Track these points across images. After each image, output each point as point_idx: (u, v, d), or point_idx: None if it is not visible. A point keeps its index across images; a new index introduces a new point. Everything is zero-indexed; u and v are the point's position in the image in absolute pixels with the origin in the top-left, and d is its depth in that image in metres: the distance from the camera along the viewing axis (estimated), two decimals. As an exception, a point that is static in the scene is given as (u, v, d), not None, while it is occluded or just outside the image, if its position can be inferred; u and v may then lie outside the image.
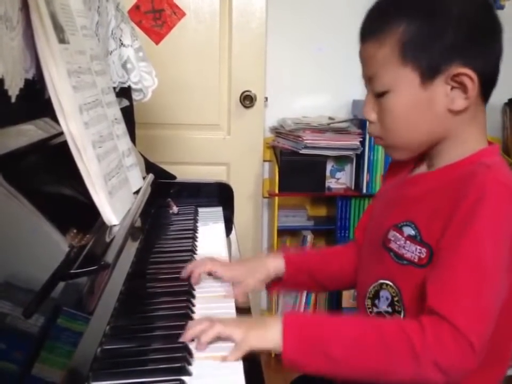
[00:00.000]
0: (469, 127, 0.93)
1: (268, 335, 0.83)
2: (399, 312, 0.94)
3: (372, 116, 0.96)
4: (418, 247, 0.91)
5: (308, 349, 0.83)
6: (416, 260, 0.91)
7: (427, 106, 0.91)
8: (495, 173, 0.87)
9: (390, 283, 0.95)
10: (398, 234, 0.96)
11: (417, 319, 0.83)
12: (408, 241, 0.93)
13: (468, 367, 0.81)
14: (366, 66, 0.95)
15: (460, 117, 0.91)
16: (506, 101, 2.71)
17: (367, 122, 0.99)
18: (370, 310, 0.99)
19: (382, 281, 0.97)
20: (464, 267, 0.83)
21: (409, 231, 0.94)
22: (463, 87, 0.89)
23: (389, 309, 0.95)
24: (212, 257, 1.11)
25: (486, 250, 0.83)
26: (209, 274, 1.08)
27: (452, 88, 0.89)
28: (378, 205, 1.10)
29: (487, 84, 0.92)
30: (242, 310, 0.99)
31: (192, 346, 0.81)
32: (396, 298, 0.94)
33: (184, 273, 1.06)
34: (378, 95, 0.94)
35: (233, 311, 0.96)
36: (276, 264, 1.13)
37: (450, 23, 0.88)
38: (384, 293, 0.96)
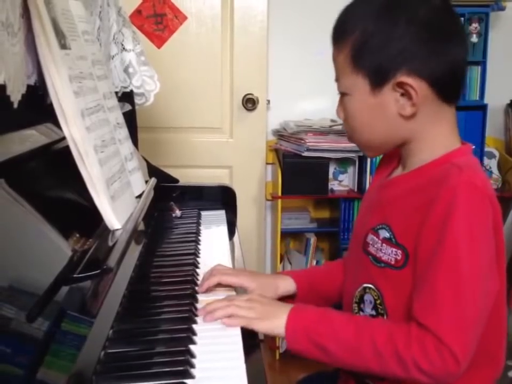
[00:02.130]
0: (434, 128, 0.94)
1: (274, 327, 0.92)
2: (382, 315, 0.95)
3: (341, 114, 0.99)
4: (394, 249, 0.92)
5: (307, 343, 0.90)
6: (392, 262, 0.92)
7: (379, 111, 0.93)
8: (467, 175, 0.87)
9: (372, 286, 0.96)
10: (375, 238, 0.97)
11: (407, 326, 0.86)
12: (384, 244, 0.94)
13: (452, 374, 0.84)
14: (334, 67, 0.98)
15: (417, 120, 0.92)
16: (508, 102, 2.70)
17: None
18: (357, 314, 1.00)
19: (365, 285, 0.98)
20: (442, 278, 0.85)
21: (384, 233, 0.95)
22: (408, 95, 0.90)
23: (373, 312, 0.96)
24: (219, 266, 1.09)
25: (462, 258, 0.84)
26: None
27: (401, 94, 0.91)
28: (361, 210, 1.11)
29: (445, 87, 0.91)
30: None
31: (195, 349, 0.82)
32: (378, 301, 0.95)
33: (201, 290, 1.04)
34: (342, 95, 0.97)
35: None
36: (286, 284, 1.11)
37: (398, 31, 0.89)
38: (368, 297, 0.97)
